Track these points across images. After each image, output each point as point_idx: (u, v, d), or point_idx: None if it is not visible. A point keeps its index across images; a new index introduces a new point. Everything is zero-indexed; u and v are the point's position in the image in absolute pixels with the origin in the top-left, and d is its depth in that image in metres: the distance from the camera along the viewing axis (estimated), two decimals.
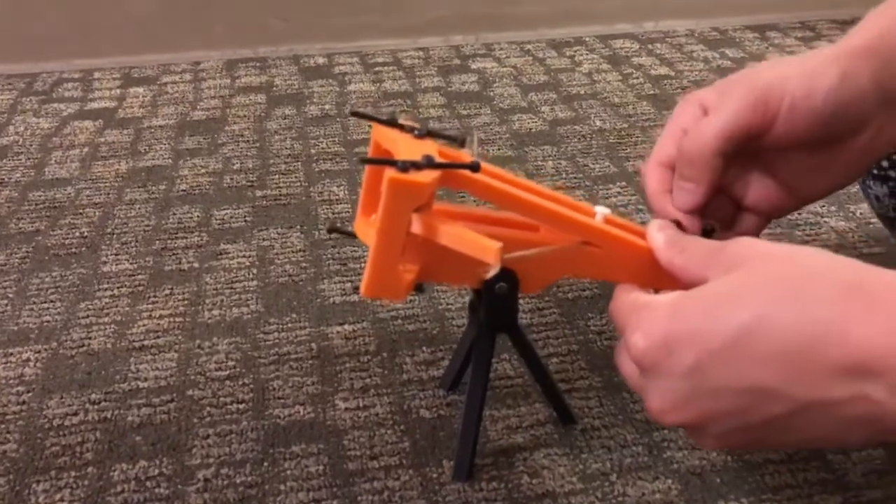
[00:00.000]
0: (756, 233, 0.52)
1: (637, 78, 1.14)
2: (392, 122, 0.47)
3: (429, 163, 0.43)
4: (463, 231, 0.44)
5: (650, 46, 1.26)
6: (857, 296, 0.34)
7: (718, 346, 0.35)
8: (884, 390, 0.32)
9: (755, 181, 0.50)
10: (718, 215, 0.52)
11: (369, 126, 0.48)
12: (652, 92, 1.09)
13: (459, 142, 0.48)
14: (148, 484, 0.52)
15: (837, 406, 0.34)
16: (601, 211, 0.47)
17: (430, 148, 0.45)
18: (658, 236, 0.45)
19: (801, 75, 0.46)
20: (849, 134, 0.47)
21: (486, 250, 0.43)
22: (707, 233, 0.52)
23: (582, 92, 1.10)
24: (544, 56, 1.23)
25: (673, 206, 0.48)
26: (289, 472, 0.52)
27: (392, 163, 0.42)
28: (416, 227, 0.44)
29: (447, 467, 0.52)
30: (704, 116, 0.48)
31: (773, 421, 0.36)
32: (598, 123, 1.00)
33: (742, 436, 0.37)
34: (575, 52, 1.25)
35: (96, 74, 1.21)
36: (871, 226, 0.76)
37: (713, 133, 0.46)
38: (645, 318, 0.38)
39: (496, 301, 0.48)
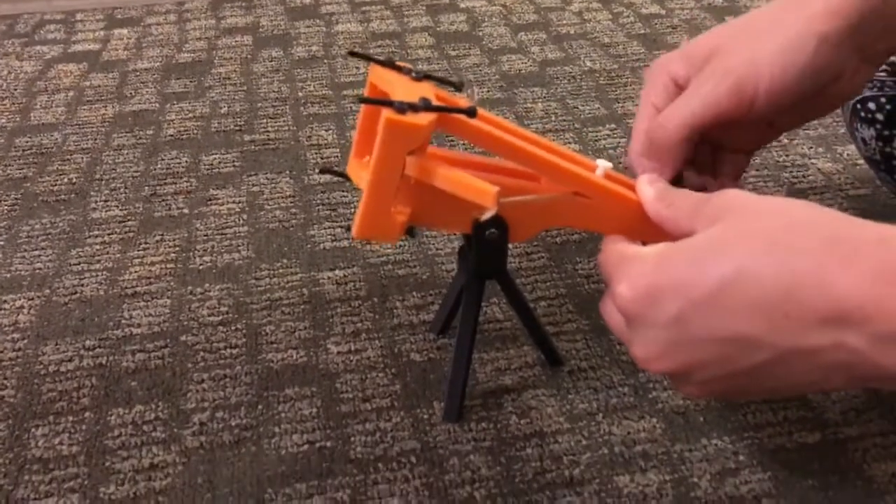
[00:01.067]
0: (741, 169, 0.54)
1: (628, 17, 1.13)
2: (389, 64, 0.47)
3: (426, 105, 0.43)
4: (460, 174, 0.44)
5: None
6: (836, 248, 0.35)
7: (701, 297, 0.36)
8: (861, 338, 0.33)
9: (734, 127, 0.51)
10: (700, 160, 0.53)
11: (357, 68, 0.48)
12: (642, 31, 1.08)
13: (457, 86, 0.48)
14: (145, 428, 0.53)
15: (817, 353, 0.35)
16: (603, 164, 0.48)
17: (427, 91, 0.45)
18: (648, 190, 0.45)
19: (774, 53, 0.46)
20: (825, 86, 0.48)
21: (484, 194, 0.43)
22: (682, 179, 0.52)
23: (572, 31, 1.09)
24: None
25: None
26: (283, 414, 0.53)
27: (389, 103, 0.42)
28: (412, 169, 0.44)
29: (437, 409, 0.53)
30: (676, 90, 0.49)
31: (755, 368, 0.37)
32: (588, 64, 0.99)
33: (724, 383, 0.38)
34: None
35: (79, 16, 1.18)
36: (858, 168, 0.77)
37: (679, 122, 0.48)
38: (631, 270, 0.39)
39: (486, 247, 0.48)
